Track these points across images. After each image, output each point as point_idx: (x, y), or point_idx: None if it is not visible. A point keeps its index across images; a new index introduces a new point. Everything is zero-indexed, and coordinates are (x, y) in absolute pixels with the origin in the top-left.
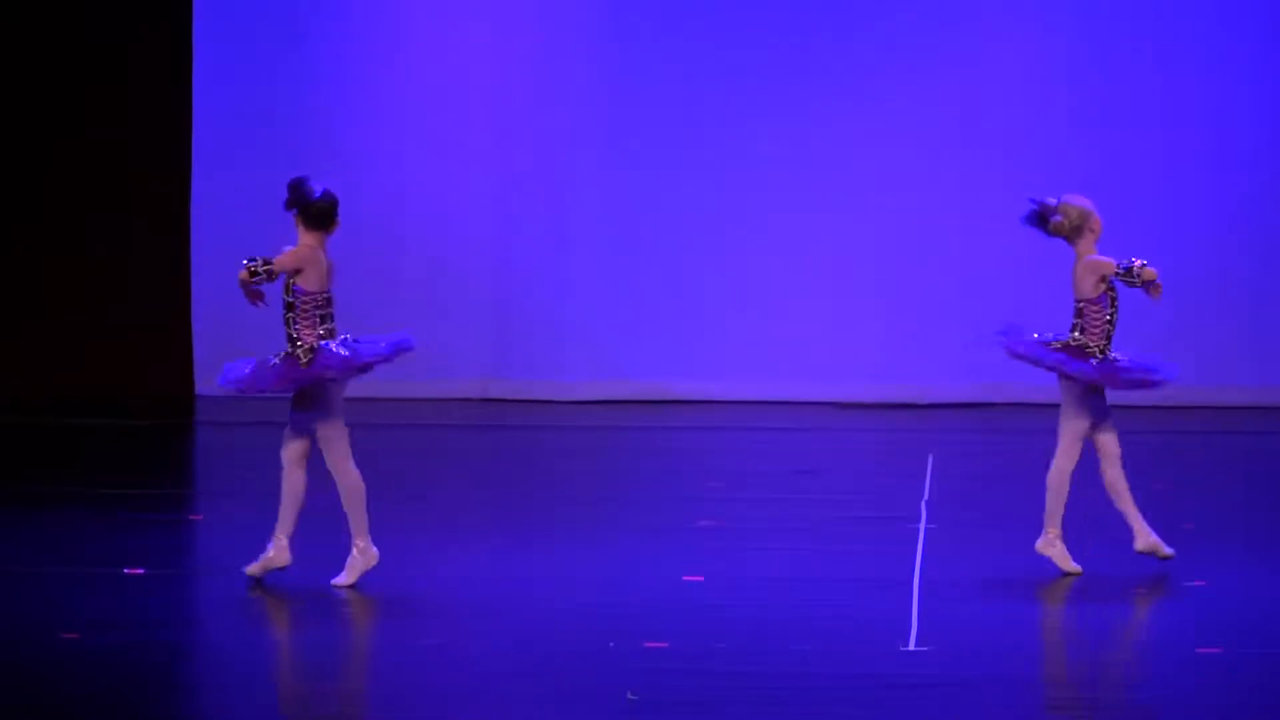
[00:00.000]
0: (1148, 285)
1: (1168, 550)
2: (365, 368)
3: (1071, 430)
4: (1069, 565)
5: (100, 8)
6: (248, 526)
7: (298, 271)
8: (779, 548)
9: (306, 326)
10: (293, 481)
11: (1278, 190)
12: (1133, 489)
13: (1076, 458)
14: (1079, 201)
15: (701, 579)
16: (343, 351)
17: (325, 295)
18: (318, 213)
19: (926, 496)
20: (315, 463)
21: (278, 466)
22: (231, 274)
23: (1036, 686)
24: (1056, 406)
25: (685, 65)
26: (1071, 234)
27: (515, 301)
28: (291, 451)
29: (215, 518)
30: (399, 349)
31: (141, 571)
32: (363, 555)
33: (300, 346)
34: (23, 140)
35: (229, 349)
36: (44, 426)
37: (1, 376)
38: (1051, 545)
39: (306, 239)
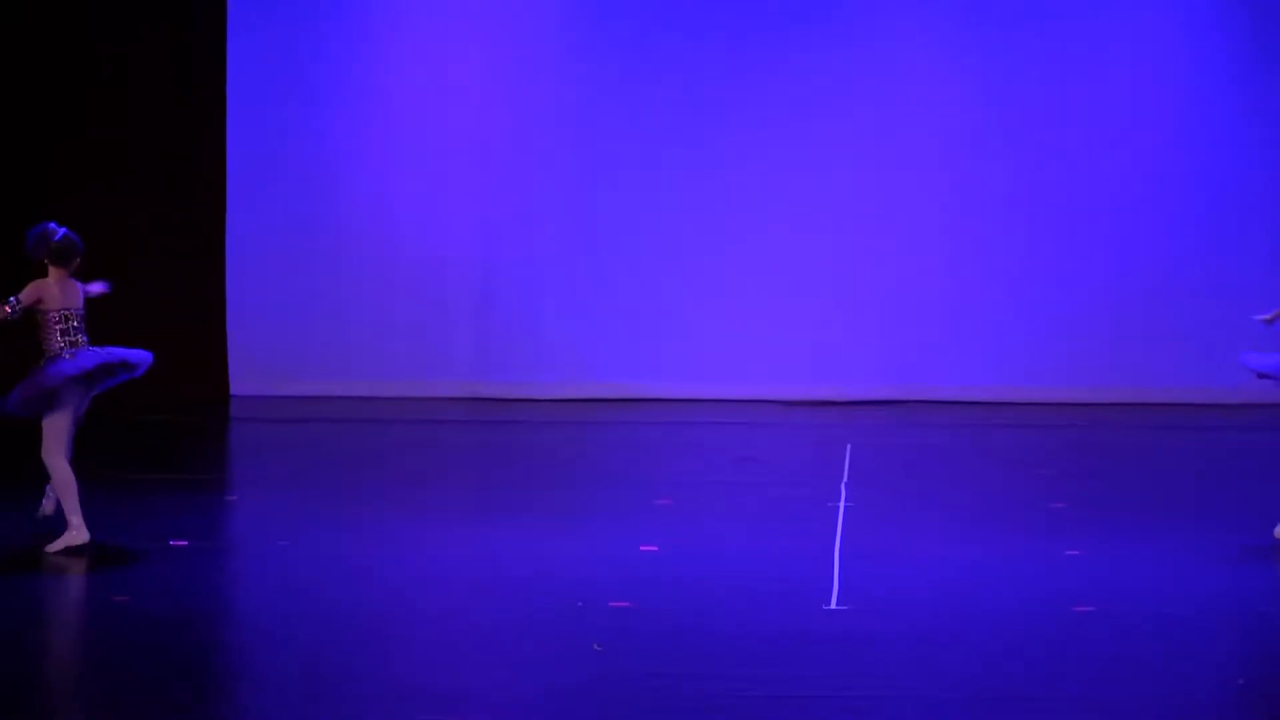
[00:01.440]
0: None
1: None
2: (91, 375)
3: None
4: None
5: (145, 16)
6: (274, 507)
7: (39, 300)
8: (722, 522)
9: (49, 339)
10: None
11: (1217, 201)
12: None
13: None
14: None
15: (656, 549)
16: (70, 359)
17: (64, 313)
18: (58, 251)
19: (845, 479)
20: (319, 454)
21: (301, 456)
22: (263, 289)
23: (940, 638)
24: (960, 404)
25: (659, 82)
26: None
27: (500, 314)
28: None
29: (247, 499)
30: (137, 360)
31: (185, 544)
32: (77, 532)
33: (46, 355)
34: (70, 151)
35: (260, 353)
36: (100, 422)
37: None
38: None
39: (52, 274)
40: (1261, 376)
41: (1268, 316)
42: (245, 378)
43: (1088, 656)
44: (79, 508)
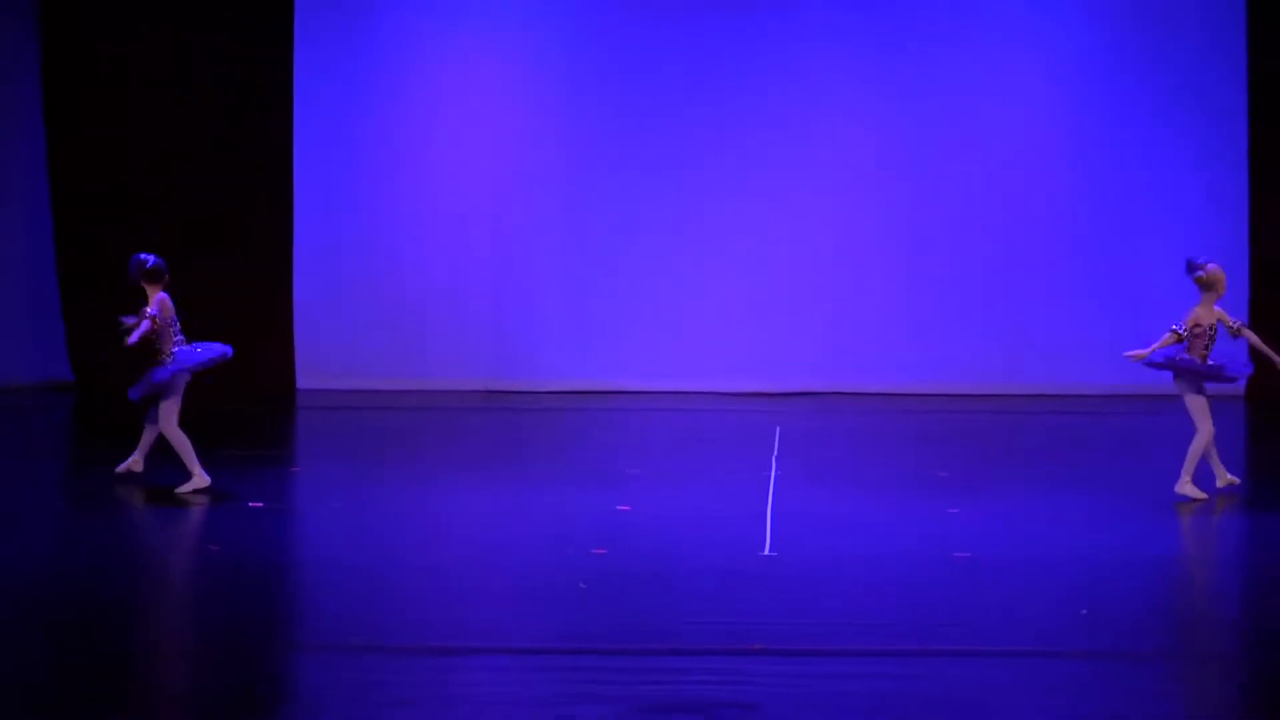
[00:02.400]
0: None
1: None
2: (190, 370)
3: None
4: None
5: (222, 25)
6: (331, 477)
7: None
8: (680, 488)
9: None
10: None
11: (1112, 208)
12: (909, 452)
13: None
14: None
15: (629, 508)
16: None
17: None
18: (151, 274)
19: (775, 454)
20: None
21: (352, 437)
22: (327, 292)
23: (850, 576)
24: (872, 395)
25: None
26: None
27: (508, 325)
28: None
29: (308, 471)
30: (220, 354)
31: (260, 505)
32: (199, 478)
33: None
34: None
35: (321, 354)
36: (192, 411)
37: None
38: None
39: (150, 293)
40: (1150, 365)
41: (1135, 354)
42: (308, 374)
43: (965, 591)
44: (197, 459)
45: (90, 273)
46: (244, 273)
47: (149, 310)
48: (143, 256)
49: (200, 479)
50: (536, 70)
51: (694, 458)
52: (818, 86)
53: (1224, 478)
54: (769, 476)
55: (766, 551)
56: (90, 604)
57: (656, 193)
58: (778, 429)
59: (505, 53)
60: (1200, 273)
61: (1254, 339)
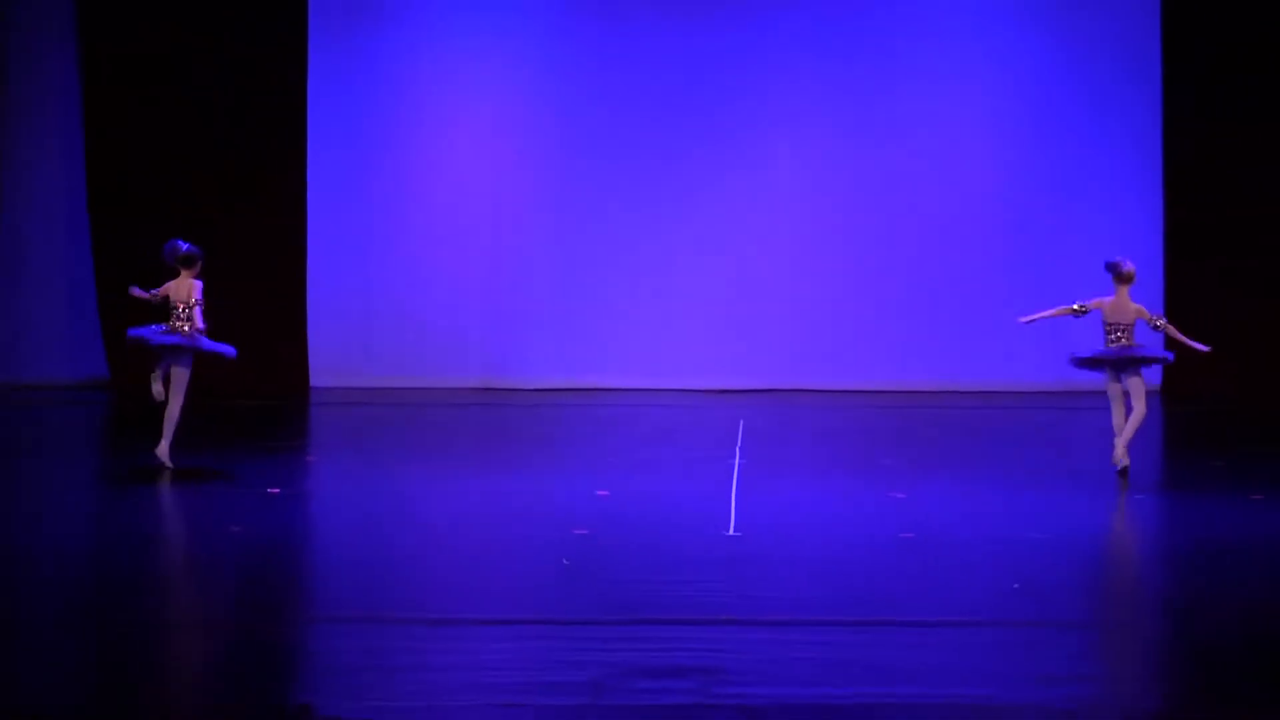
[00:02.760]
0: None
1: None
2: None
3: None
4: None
5: (240, 31)
6: (342, 466)
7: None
8: (651, 473)
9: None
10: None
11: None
12: (859, 443)
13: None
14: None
15: (607, 493)
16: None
17: (180, 302)
18: (185, 259)
19: (739, 444)
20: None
21: (362, 429)
22: (340, 295)
23: (806, 554)
24: (827, 392)
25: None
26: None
27: (500, 327)
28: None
29: (322, 460)
30: (221, 352)
31: (277, 491)
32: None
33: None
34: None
35: (334, 353)
36: (197, 404)
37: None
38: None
39: (183, 275)
40: (1081, 364)
41: (1028, 318)
42: (322, 372)
43: (909, 569)
44: (171, 439)
45: (125, 273)
46: (260, 275)
47: (196, 298)
48: (177, 242)
49: (163, 452)
50: (518, 81)
51: (666, 448)
52: (777, 94)
53: (1120, 453)
54: (733, 465)
55: (731, 532)
56: (122, 578)
57: (632, 208)
58: (741, 422)
59: (495, 60)
60: (1124, 269)
61: (1173, 331)
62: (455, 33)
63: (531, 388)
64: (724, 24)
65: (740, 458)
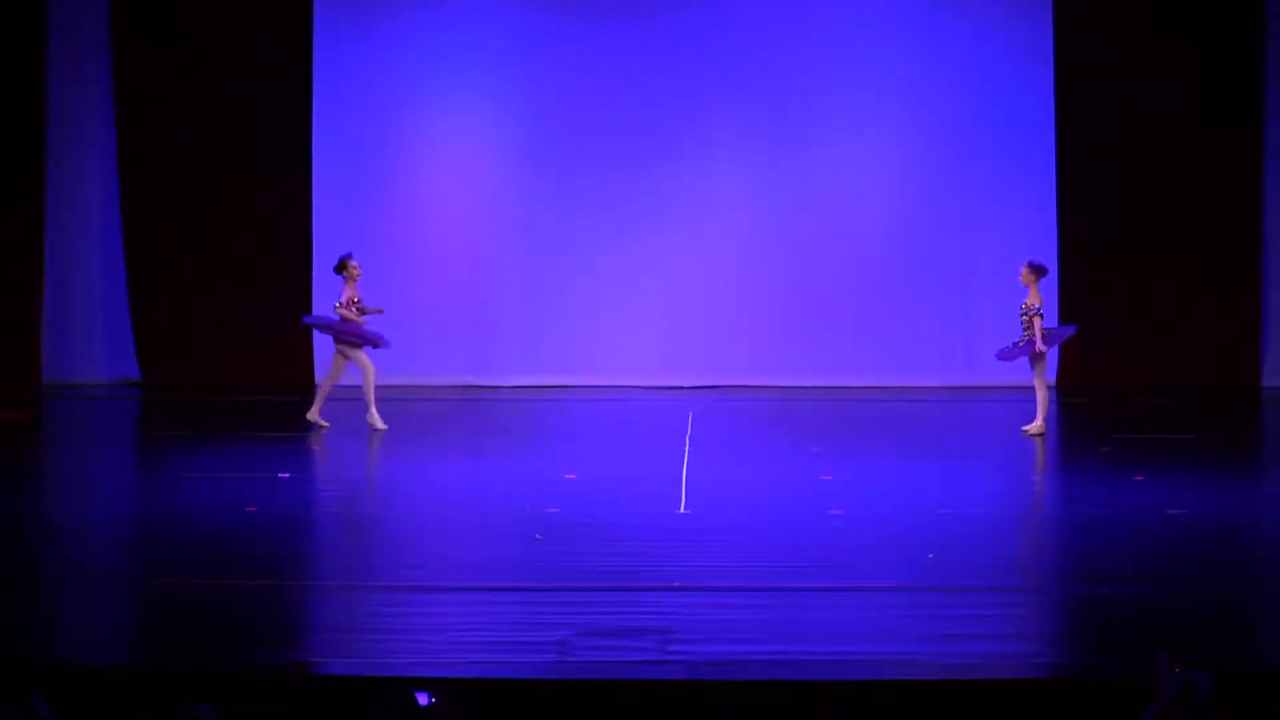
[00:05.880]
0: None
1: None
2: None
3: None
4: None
5: (244, 23)
6: (344, 454)
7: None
8: (613, 459)
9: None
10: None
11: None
12: (794, 433)
13: None
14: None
15: (575, 476)
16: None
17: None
18: (338, 267)
19: (689, 433)
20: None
21: (360, 423)
22: (338, 296)
23: (748, 529)
24: (767, 388)
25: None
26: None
27: (481, 330)
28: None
29: (327, 449)
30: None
31: (288, 475)
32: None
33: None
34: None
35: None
36: (219, 400)
37: (196, 370)
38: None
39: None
40: (1004, 358)
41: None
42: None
43: (838, 541)
44: (322, 404)
45: (156, 276)
46: (268, 279)
47: (341, 300)
48: (344, 256)
49: (315, 415)
50: (492, 86)
51: (625, 437)
52: (724, 99)
53: (1036, 425)
54: (684, 451)
55: (682, 510)
56: (149, 550)
57: (594, 215)
58: (690, 414)
59: (468, 66)
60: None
61: (1037, 323)
62: (430, 38)
63: (507, 385)
64: (680, 31)
65: (689, 445)
